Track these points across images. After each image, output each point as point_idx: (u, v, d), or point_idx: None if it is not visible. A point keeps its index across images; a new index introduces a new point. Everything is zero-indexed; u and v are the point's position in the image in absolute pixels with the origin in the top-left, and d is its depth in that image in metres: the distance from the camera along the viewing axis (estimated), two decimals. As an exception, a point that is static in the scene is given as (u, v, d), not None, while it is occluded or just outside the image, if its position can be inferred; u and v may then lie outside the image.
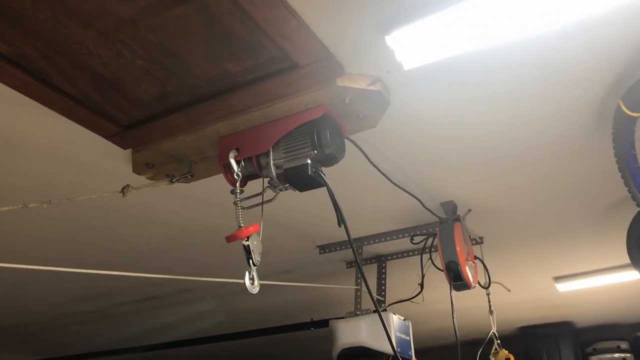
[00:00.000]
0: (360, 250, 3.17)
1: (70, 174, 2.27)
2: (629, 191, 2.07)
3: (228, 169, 1.79)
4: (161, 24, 1.49)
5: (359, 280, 3.12)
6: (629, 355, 5.33)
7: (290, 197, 1.99)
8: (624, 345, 5.38)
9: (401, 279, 3.28)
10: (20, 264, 1.56)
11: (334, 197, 1.75)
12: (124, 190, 1.92)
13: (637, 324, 5.41)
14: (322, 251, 3.32)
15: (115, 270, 1.86)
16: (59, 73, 1.66)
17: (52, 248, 3.06)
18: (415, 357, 3.00)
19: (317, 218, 2.86)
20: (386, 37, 1.55)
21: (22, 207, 1.75)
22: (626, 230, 2.78)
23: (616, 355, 5.37)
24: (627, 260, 2.79)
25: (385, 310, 3.00)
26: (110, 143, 1.99)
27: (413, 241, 2.96)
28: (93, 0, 1.40)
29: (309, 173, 1.70)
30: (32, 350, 5.38)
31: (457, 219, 2.71)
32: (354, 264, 3.46)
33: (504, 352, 3.01)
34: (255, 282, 1.64)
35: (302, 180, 1.74)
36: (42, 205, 1.83)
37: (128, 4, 1.42)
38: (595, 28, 1.62)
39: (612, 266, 3.81)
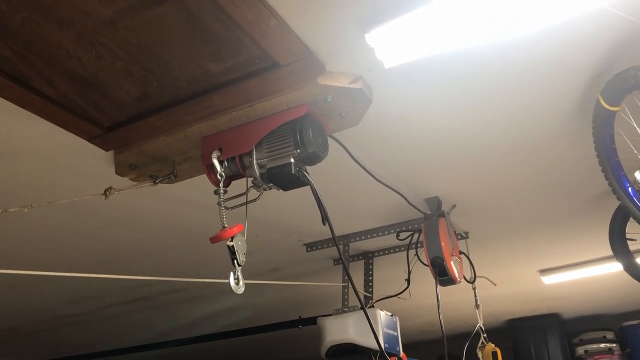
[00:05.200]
0: (346, 247, 3.18)
1: (52, 177, 2.25)
2: (610, 184, 2.09)
3: (211, 169, 1.79)
4: (140, 25, 1.48)
5: (346, 278, 3.13)
6: (614, 345, 5.39)
7: (274, 196, 1.98)
8: (609, 335, 5.44)
9: (388, 275, 3.29)
10: (4, 268, 1.55)
11: (317, 195, 1.75)
12: (106, 192, 1.90)
13: (622, 314, 5.48)
14: (308, 249, 3.32)
15: (101, 273, 1.85)
16: (38, 75, 1.64)
17: (37, 251, 3.03)
18: (404, 352, 3.01)
19: (303, 216, 2.86)
20: (366, 35, 1.55)
21: (2, 211, 1.73)
22: (608, 223, 2.82)
23: (602, 345, 5.42)
24: (611, 252, 2.84)
25: (372, 306, 3.01)
26: (92, 145, 1.97)
27: (399, 237, 2.97)
28: (70, 2, 1.39)
29: (293, 172, 1.70)
30: (22, 354, 5.34)
31: (442, 215, 2.72)
32: (341, 261, 3.46)
33: (491, 346, 3.03)
34: (241, 282, 1.64)
35: (285, 179, 1.74)
36: (23, 209, 1.82)
37: (106, 4, 1.41)
38: (573, 26, 1.64)
39: (596, 258, 3.84)
